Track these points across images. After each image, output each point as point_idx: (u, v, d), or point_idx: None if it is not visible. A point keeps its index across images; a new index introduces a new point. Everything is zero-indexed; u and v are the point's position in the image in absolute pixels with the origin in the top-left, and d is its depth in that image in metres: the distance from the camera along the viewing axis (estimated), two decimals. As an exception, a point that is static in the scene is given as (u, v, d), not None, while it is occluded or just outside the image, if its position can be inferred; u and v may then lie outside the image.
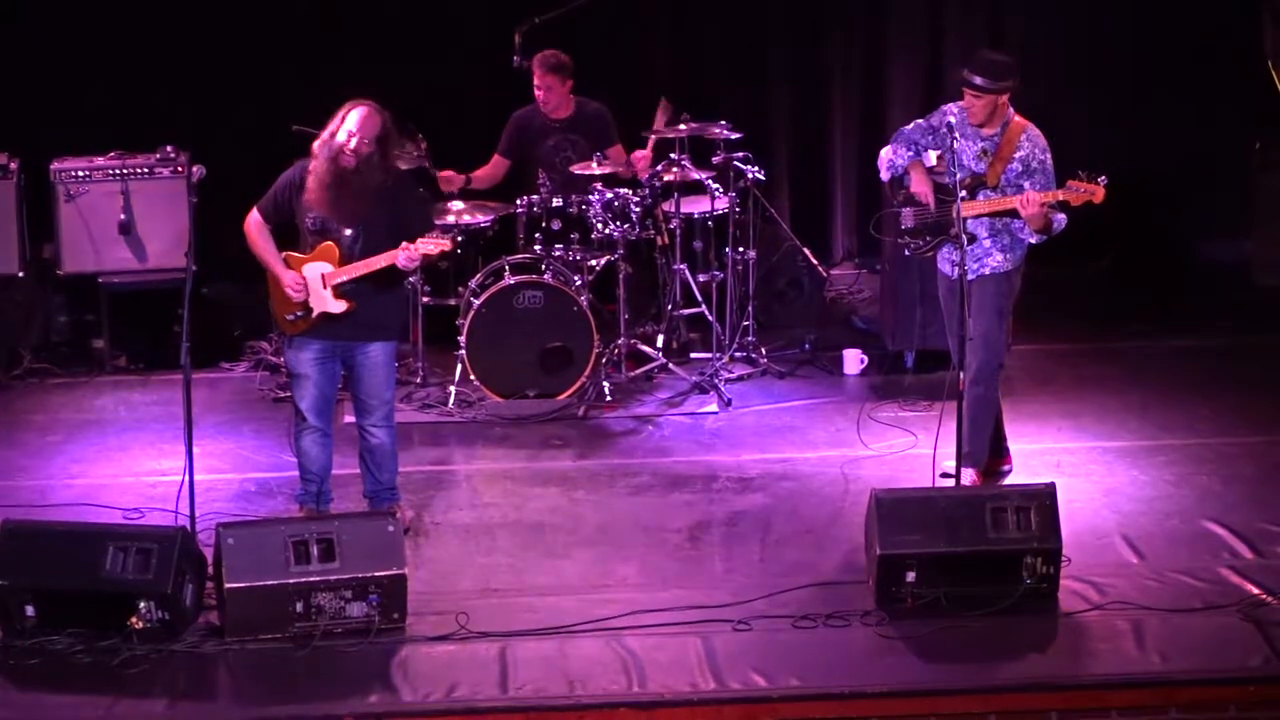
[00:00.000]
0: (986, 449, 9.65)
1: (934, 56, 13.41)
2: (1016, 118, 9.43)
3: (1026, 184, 9.29)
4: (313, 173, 8.92)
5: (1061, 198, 9.19)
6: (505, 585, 8.79)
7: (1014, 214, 9.30)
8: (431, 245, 8.83)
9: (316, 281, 8.97)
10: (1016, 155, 9.35)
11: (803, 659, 8.02)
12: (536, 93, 11.68)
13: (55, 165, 11.82)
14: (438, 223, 10.80)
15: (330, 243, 8.95)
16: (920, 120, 9.62)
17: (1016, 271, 9.55)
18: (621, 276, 11.37)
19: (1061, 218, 9.30)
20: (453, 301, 11.45)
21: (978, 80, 9.32)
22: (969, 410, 9.32)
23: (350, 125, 8.85)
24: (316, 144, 8.97)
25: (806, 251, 12.70)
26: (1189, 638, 8.16)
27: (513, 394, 11.06)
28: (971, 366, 9.36)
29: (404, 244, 8.81)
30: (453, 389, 11.16)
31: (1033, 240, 9.43)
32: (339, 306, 8.97)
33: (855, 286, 13.24)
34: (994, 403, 9.64)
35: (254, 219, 9.08)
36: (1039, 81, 12.58)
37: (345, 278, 8.94)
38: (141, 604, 8.11)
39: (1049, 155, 9.37)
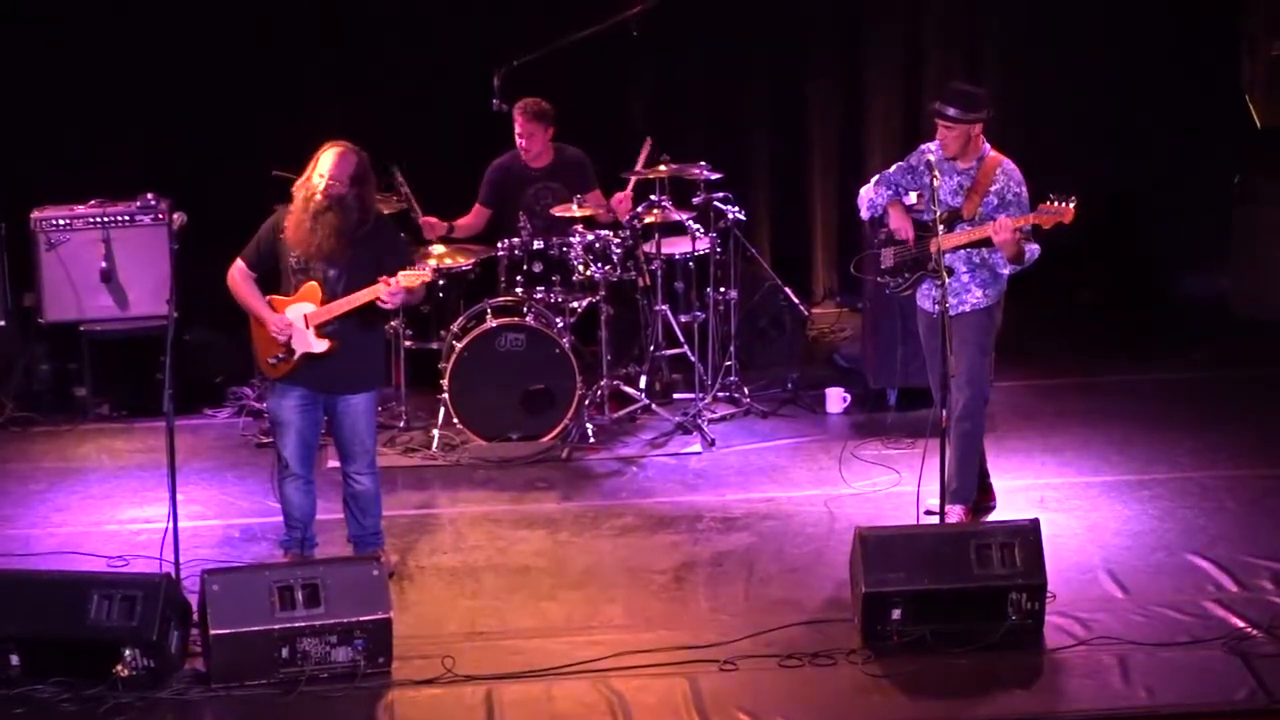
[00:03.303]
0: (975, 486, 9.65)
1: (912, 94, 13.45)
2: (992, 152, 9.46)
3: (1002, 216, 9.30)
4: (291, 214, 8.96)
5: (1033, 221, 9.20)
6: (491, 628, 8.77)
7: (989, 243, 9.31)
8: (412, 276, 8.86)
9: (299, 321, 8.98)
10: (992, 189, 9.37)
11: (789, 698, 8.01)
12: (518, 140, 11.67)
13: (36, 214, 11.81)
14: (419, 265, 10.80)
15: (313, 282, 8.97)
16: (900, 162, 9.64)
17: (997, 307, 9.55)
18: (603, 318, 11.37)
19: (1034, 248, 9.31)
20: (435, 345, 11.44)
21: (950, 111, 9.35)
22: (956, 447, 9.34)
23: (323, 167, 8.89)
24: (295, 186, 9.01)
25: (788, 291, 12.70)
26: (1174, 672, 8.15)
27: (496, 437, 11.06)
28: (958, 404, 9.36)
29: (383, 278, 8.84)
30: (436, 432, 11.16)
31: (1005, 271, 9.45)
32: (321, 346, 8.98)
33: (837, 325, 13.28)
34: (980, 439, 9.65)
35: (238, 267, 9.09)
36: (1018, 117, 12.64)
37: (327, 316, 8.96)
38: (127, 652, 8.08)
39: (1024, 188, 9.39)
